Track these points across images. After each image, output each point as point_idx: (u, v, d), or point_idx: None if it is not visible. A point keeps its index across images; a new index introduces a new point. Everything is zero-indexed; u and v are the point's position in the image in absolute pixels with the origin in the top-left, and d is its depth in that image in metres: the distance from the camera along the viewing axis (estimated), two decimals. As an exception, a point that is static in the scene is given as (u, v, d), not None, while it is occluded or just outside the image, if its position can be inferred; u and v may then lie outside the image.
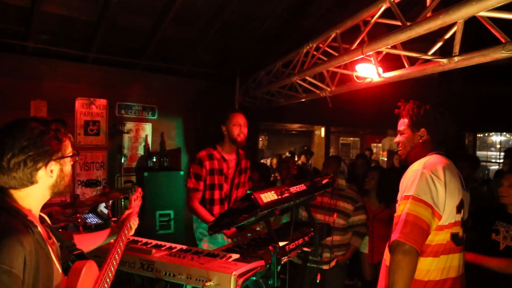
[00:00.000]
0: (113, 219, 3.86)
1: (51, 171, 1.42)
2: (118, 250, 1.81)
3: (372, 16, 3.14)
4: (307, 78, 4.45)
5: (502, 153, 11.07)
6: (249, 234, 2.80)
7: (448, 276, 2.02)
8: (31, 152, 1.35)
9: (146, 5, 4.78)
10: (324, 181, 2.87)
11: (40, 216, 1.50)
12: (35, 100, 4.94)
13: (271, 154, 12.60)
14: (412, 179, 2.03)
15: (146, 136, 5.87)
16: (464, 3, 2.10)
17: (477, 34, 2.55)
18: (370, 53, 3.11)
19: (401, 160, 2.37)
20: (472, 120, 7.97)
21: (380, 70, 3.36)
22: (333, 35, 3.73)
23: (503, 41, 2.20)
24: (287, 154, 11.21)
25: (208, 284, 1.92)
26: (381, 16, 3.08)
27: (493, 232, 2.83)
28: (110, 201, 3.99)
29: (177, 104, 6.22)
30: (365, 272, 4.18)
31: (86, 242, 1.89)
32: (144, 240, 2.55)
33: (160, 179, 5.19)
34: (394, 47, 2.93)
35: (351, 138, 15.74)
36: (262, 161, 9.85)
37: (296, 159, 9.73)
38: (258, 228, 2.98)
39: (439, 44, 2.72)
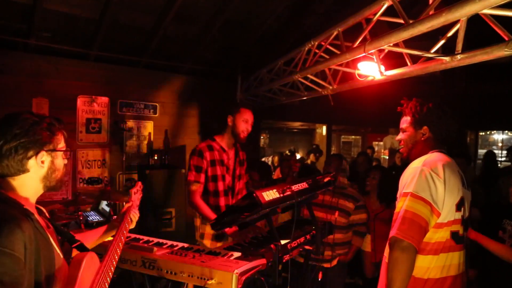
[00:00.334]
0: (115, 217, 3.86)
1: (42, 161, 1.45)
2: (119, 243, 1.82)
3: (374, 14, 3.13)
4: (309, 76, 4.44)
5: (504, 152, 11.05)
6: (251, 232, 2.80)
7: (448, 274, 2.01)
8: (23, 140, 1.39)
9: (148, 3, 4.78)
10: (326, 179, 2.87)
11: (38, 208, 1.52)
12: (37, 97, 4.95)
13: (272, 152, 12.58)
14: (411, 176, 2.03)
15: (148, 134, 5.88)
16: (467, 1, 2.09)
17: (479, 32, 2.54)
18: (372, 51, 3.11)
19: (402, 158, 2.36)
20: (474, 118, 7.96)
21: (382, 68, 3.35)
22: (335, 33, 3.72)
23: (506, 39, 2.20)
24: (287, 152, 11.20)
25: (210, 282, 1.92)
26: (383, 14, 3.07)
27: (500, 230, 2.86)
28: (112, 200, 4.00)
29: (178, 102, 6.23)
30: (366, 270, 4.18)
31: (85, 240, 1.89)
32: (146, 238, 2.55)
33: (161, 177, 5.18)
34: (396, 45, 2.92)
35: (353, 136, 15.72)
36: (263, 159, 9.85)
37: (297, 157, 9.73)
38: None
39: (442, 42, 2.71)
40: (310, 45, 4.22)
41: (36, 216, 1.44)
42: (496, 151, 13.75)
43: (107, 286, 1.58)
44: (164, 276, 2.09)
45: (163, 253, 2.22)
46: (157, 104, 5.98)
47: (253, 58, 6.24)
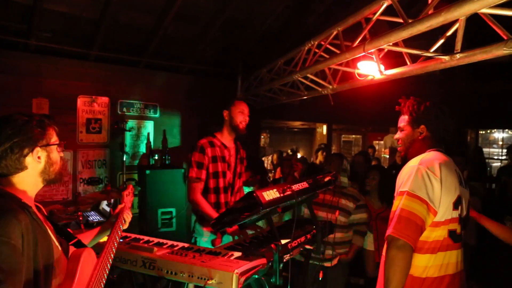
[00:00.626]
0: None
1: (39, 157, 1.51)
2: (114, 242, 1.86)
3: (374, 14, 3.14)
4: (309, 75, 4.45)
5: (504, 150, 11.04)
6: (251, 232, 2.80)
7: (446, 273, 2.01)
8: (16, 139, 1.44)
9: (148, 3, 4.78)
10: (326, 179, 2.87)
11: (37, 206, 1.56)
12: (37, 98, 4.94)
13: (273, 151, 12.58)
14: (408, 175, 2.03)
15: (148, 134, 5.88)
16: (466, 0, 2.09)
17: (478, 31, 2.55)
18: (372, 50, 3.11)
19: (401, 156, 2.37)
20: (474, 117, 7.96)
21: (382, 67, 3.35)
22: (334, 33, 3.72)
23: (505, 38, 2.20)
24: (289, 151, 11.20)
25: (210, 282, 1.92)
26: (382, 14, 3.08)
27: None
28: (112, 200, 4.00)
29: (179, 102, 6.22)
30: (368, 269, 4.18)
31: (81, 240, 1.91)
32: (146, 238, 2.56)
33: (162, 177, 5.18)
34: (396, 44, 2.92)
35: (353, 136, 15.70)
36: (263, 158, 9.85)
37: (297, 156, 9.73)
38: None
39: (441, 41, 2.71)
40: (310, 45, 4.23)
41: (34, 209, 1.48)
42: (496, 150, 13.78)
43: (104, 282, 1.62)
44: (164, 276, 2.10)
45: (164, 253, 2.23)
46: (157, 104, 5.98)
47: (253, 58, 6.24)
